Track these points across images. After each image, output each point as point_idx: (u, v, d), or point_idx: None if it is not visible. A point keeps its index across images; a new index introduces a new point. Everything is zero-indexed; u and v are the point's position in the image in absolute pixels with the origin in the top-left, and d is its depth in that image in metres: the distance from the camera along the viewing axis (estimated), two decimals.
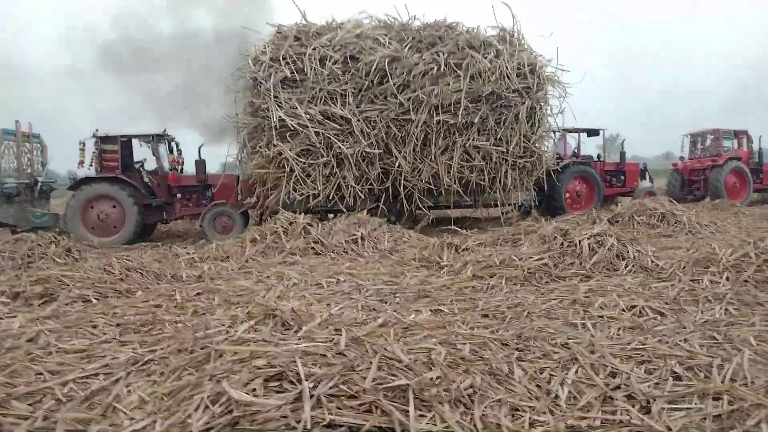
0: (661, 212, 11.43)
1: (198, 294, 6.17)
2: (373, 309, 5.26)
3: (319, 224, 9.92)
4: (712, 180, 18.22)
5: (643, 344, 3.85)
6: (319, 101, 11.96)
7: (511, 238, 8.15)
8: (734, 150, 18.97)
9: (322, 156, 11.81)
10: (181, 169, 12.88)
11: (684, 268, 6.39)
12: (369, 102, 12.30)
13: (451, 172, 12.74)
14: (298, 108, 11.69)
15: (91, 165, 12.17)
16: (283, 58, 11.96)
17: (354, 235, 9.68)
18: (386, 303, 5.59)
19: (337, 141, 11.78)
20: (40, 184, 12.74)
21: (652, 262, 6.74)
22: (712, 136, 19.32)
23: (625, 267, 6.61)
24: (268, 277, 7.25)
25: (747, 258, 6.12)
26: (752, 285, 5.61)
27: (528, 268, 6.46)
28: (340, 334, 3.47)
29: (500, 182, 13.49)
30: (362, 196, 12.30)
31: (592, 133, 16.93)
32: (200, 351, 3.47)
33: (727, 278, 5.77)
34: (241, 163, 13.09)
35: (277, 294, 5.85)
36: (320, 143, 11.73)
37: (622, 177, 17.70)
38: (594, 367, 3.46)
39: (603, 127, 17.02)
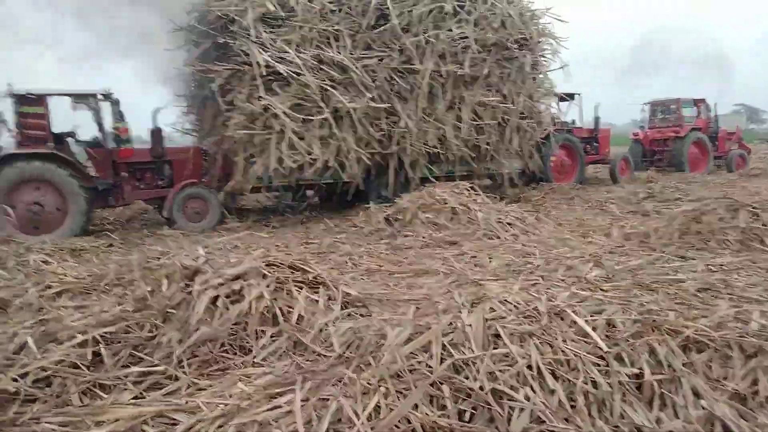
0: (452, 207, 8.54)
1: None
2: None
3: None
4: (675, 152, 17.71)
5: None
6: (310, 44, 9.63)
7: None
8: (694, 120, 18.58)
9: (319, 112, 9.47)
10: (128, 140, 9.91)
11: (368, 347, 3.20)
12: (365, 48, 10.13)
13: (461, 133, 10.84)
14: (290, 51, 9.28)
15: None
16: None
17: None
18: None
19: (336, 93, 9.50)
20: None
21: (323, 330, 3.70)
22: (673, 106, 18.83)
23: (272, 341, 3.60)
24: None
25: (461, 338, 3.01)
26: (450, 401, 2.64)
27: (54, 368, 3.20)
28: None
29: (505, 146, 11.81)
30: (368, 162, 10.09)
31: (566, 97, 15.62)
32: None
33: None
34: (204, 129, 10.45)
35: None
36: (317, 96, 9.40)
37: (596, 144, 16.60)
38: None
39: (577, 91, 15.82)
